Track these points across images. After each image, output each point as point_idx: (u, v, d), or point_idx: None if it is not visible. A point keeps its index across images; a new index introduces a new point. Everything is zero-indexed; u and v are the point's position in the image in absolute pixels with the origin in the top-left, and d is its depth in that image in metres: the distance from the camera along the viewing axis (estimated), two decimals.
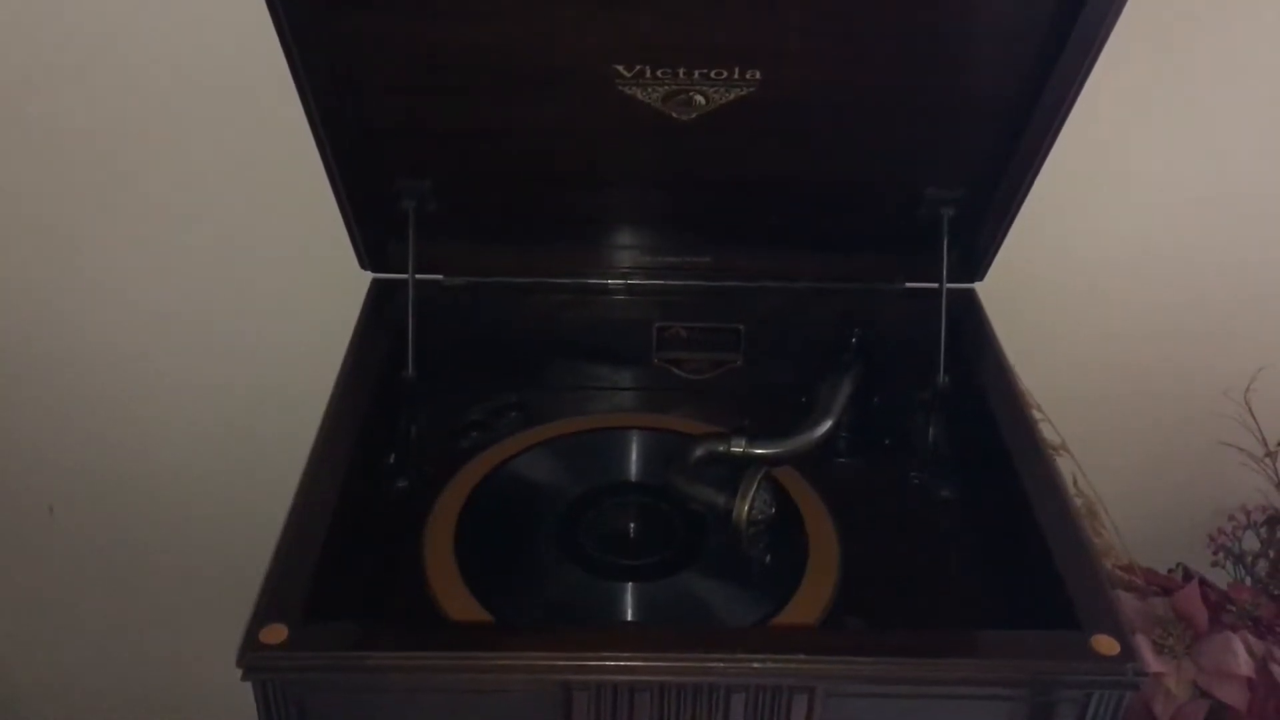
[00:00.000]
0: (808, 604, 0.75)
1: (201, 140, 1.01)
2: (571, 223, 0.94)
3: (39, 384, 1.14)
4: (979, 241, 0.92)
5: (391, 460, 0.88)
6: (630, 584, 0.78)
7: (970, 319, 0.94)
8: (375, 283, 0.95)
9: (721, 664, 0.63)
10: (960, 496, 0.87)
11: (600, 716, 0.65)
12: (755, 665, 0.63)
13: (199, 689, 1.28)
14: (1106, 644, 0.63)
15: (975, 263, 0.94)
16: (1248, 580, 1.11)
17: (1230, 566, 1.12)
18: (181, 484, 1.18)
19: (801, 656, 0.63)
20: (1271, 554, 1.10)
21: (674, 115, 0.80)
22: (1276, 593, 1.07)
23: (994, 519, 0.82)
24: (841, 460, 0.91)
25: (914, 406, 0.93)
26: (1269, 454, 1.11)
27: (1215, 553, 1.12)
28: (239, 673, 0.63)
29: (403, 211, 0.88)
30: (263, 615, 0.64)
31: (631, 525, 0.83)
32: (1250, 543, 1.12)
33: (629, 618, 0.77)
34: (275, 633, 0.63)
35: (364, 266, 0.94)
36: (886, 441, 0.93)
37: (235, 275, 1.08)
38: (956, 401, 0.90)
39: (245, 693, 0.64)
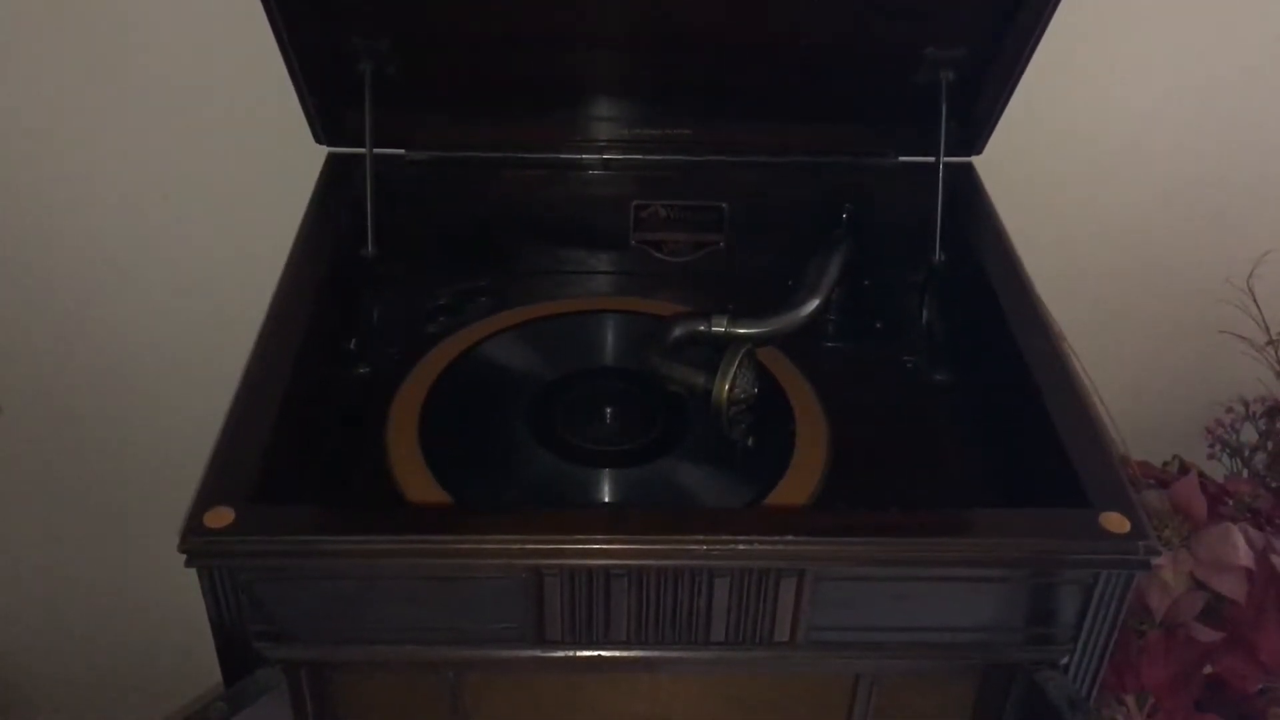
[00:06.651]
0: (795, 488, 0.71)
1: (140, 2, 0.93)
2: (543, 92, 0.88)
3: None
4: (978, 111, 0.87)
5: (353, 345, 0.83)
6: (608, 470, 0.74)
7: (968, 194, 0.89)
8: (331, 157, 0.89)
9: (704, 546, 0.59)
10: (956, 379, 0.83)
11: (574, 604, 0.61)
12: (740, 547, 0.59)
13: (154, 592, 1.24)
14: (1116, 521, 0.59)
15: (974, 135, 0.89)
16: (1245, 474, 1.07)
17: (1227, 459, 1.09)
18: (133, 377, 1.13)
19: (790, 538, 0.59)
20: (1270, 446, 1.07)
21: None
22: (1275, 485, 1.03)
23: (994, 400, 0.78)
24: (830, 344, 0.87)
25: (907, 287, 0.88)
26: (1270, 342, 1.07)
27: (1212, 445, 1.09)
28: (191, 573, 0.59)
29: (359, 74, 0.82)
30: (207, 497, 0.60)
31: (608, 410, 0.79)
32: (1248, 435, 1.08)
33: None
34: (220, 516, 0.59)
35: (319, 140, 0.88)
36: (878, 324, 0.89)
37: (180, 151, 1.01)
38: (953, 281, 0.85)
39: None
